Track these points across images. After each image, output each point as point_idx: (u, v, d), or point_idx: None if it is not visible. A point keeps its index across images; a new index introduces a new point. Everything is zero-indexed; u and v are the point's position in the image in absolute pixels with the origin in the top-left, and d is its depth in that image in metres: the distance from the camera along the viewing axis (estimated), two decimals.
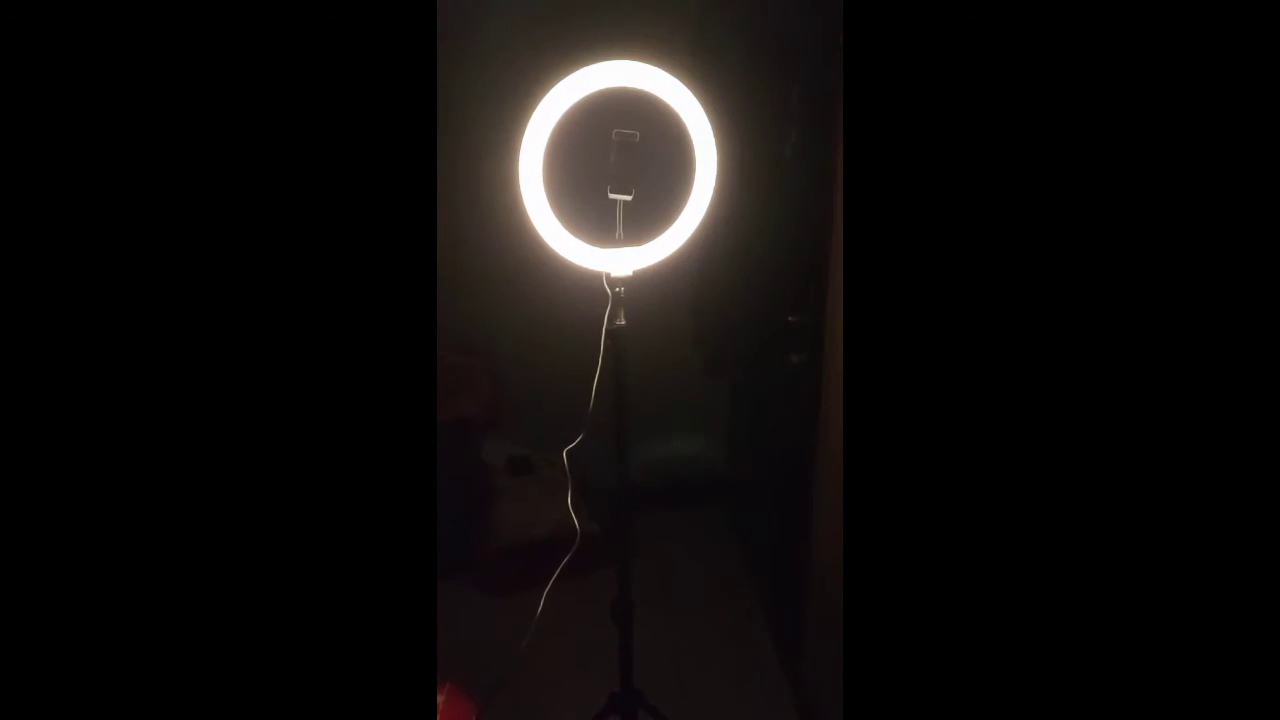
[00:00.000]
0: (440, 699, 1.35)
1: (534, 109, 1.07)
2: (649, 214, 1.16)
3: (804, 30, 1.48)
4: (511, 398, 2.34)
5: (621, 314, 1.18)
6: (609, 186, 1.09)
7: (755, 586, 2.17)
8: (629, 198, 1.11)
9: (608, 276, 1.17)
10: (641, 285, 1.20)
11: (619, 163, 1.08)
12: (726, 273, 1.82)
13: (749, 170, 1.54)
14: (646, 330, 1.63)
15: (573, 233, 1.14)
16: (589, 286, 1.20)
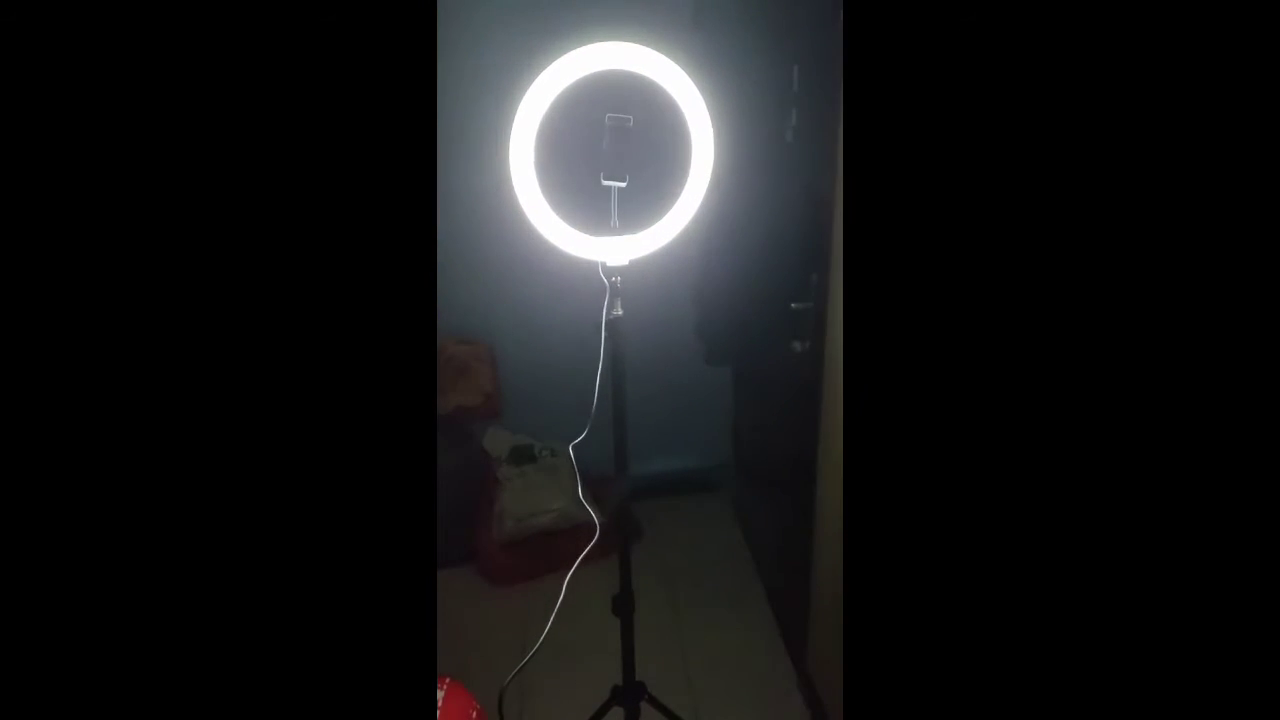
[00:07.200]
0: (440, 693, 1.34)
1: (524, 94, 1.04)
2: (645, 201, 1.13)
3: (803, 9, 1.44)
4: (512, 387, 2.33)
5: (619, 304, 1.16)
6: (602, 173, 1.06)
7: (759, 574, 2.16)
8: (623, 184, 1.08)
9: (604, 266, 1.14)
10: (639, 274, 1.18)
11: (612, 148, 1.05)
12: (727, 259, 1.79)
13: (748, 153, 1.50)
14: (646, 320, 1.61)
15: (567, 220, 1.12)
16: (586, 276, 1.18)
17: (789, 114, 1.54)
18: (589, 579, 1.49)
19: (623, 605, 1.37)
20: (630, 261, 1.15)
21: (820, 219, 1.39)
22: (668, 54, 1.07)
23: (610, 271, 1.15)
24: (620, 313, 1.16)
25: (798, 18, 1.47)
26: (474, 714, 1.35)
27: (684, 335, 2.16)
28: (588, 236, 1.12)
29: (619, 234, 1.12)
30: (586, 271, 1.17)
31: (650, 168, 1.11)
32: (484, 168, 1.38)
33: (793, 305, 1.54)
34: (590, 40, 1.03)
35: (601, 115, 1.05)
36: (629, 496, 1.34)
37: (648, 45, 1.05)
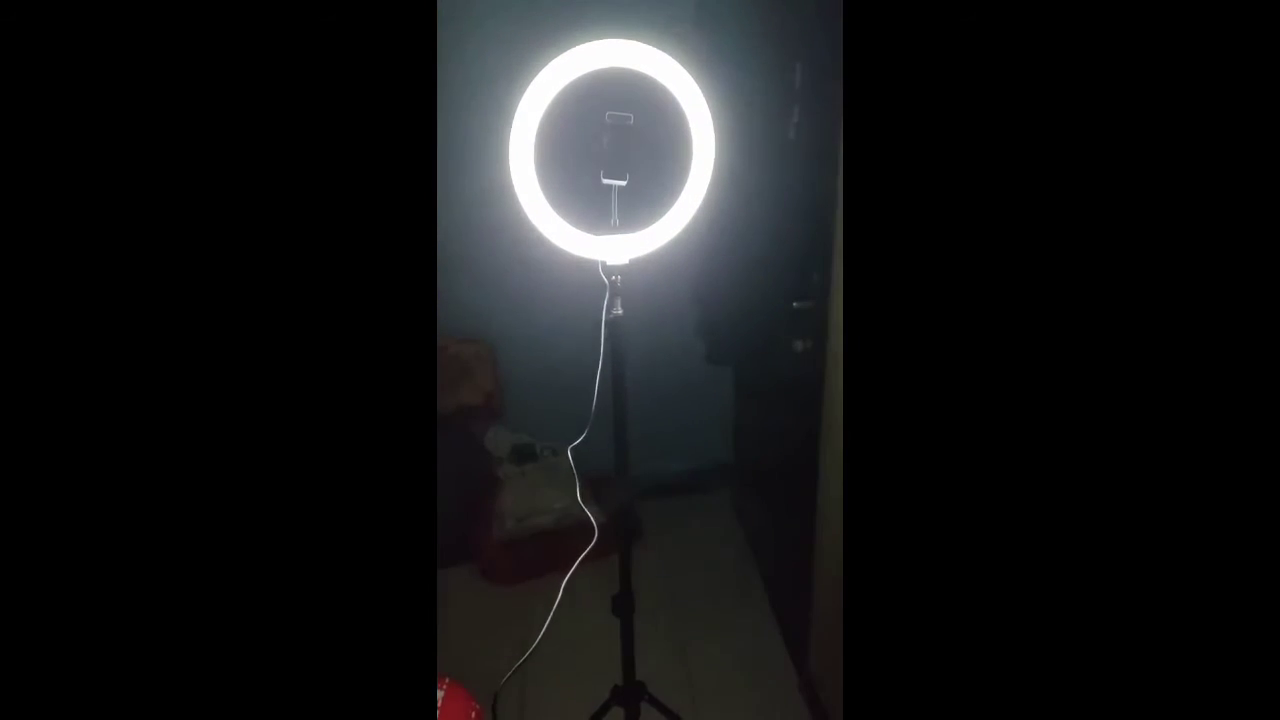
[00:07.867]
0: (440, 693, 1.34)
1: (524, 92, 1.04)
2: (645, 199, 1.12)
3: (806, 7, 1.43)
4: (513, 386, 2.32)
5: (619, 304, 1.16)
6: (602, 172, 1.06)
7: (760, 575, 2.16)
8: (623, 183, 1.07)
9: (604, 265, 1.14)
10: (640, 273, 1.17)
11: (612, 147, 1.05)
12: (728, 258, 1.79)
13: (750, 151, 1.50)
14: (647, 319, 1.61)
15: (567, 220, 1.11)
16: (586, 275, 1.17)
17: (791, 112, 1.54)
18: (589, 579, 1.49)
19: (623, 605, 1.36)
20: (630, 261, 1.15)
21: (822, 217, 1.38)
22: (668, 51, 1.06)
23: (610, 271, 1.14)
24: (620, 312, 1.16)
25: (800, 15, 1.47)
26: (473, 714, 1.35)
27: (684, 335, 2.15)
28: (588, 235, 1.12)
29: (619, 233, 1.12)
30: (586, 271, 1.17)
31: (651, 166, 1.11)
32: (484, 166, 1.37)
33: (794, 304, 1.54)
34: (590, 38, 1.03)
35: (602, 113, 1.05)
36: (630, 496, 1.34)
37: (648, 43, 1.05)
